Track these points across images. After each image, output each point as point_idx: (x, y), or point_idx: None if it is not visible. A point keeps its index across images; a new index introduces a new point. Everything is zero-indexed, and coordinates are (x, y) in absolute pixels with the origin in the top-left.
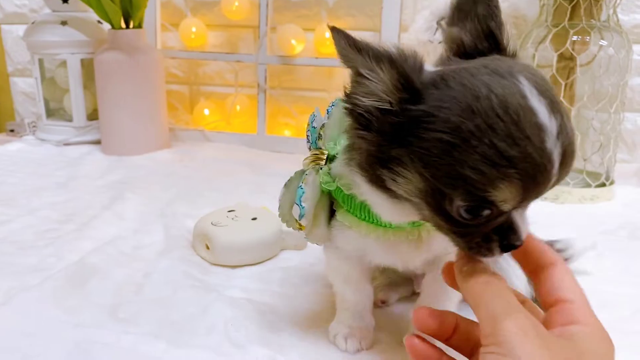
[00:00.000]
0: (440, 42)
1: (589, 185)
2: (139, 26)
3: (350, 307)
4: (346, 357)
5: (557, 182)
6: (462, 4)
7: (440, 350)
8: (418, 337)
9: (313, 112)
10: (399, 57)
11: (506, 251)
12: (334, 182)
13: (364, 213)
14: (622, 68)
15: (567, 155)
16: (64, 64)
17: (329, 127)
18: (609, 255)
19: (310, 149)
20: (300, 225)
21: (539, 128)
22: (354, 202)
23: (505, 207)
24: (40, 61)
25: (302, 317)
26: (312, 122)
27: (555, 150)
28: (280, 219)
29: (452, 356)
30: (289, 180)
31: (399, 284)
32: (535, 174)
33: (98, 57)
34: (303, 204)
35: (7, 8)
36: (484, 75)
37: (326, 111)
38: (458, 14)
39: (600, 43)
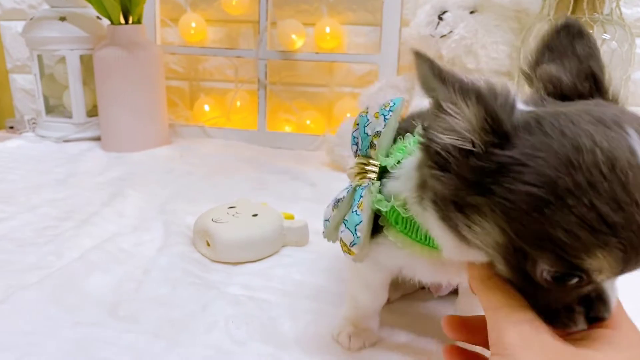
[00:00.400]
0: (442, 37)
1: None
2: (139, 22)
3: (361, 309)
4: (347, 354)
5: None
6: (555, 43)
7: (477, 353)
8: (453, 347)
9: (363, 114)
10: (488, 93)
11: (591, 323)
12: (388, 201)
13: (419, 235)
14: (625, 62)
15: None
16: (63, 60)
17: (385, 137)
18: None
19: (356, 154)
20: (349, 250)
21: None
22: (410, 223)
23: (600, 278)
24: (40, 57)
25: (304, 314)
26: (364, 126)
27: None
28: (323, 235)
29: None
30: (338, 199)
31: (402, 282)
32: (638, 244)
33: (97, 53)
34: (358, 234)
35: (6, 4)
36: (587, 123)
37: (381, 116)
38: (550, 54)
39: (603, 37)
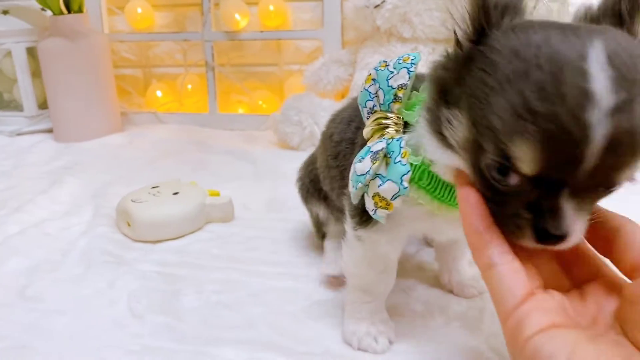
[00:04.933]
0: (376, 7)
1: None
2: (79, 10)
3: (375, 297)
4: (239, 321)
5: (605, 173)
6: None
7: None
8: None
9: (381, 67)
10: None
11: (542, 240)
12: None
13: (442, 192)
14: None
15: (623, 143)
16: (9, 54)
17: (409, 90)
18: None
19: (372, 110)
20: (387, 205)
21: (584, 93)
22: (434, 179)
23: (523, 168)
24: None
25: (209, 285)
26: (387, 79)
27: (599, 126)
28: (352, 196)
29: None
30: (376, 152)
31: None
32: (560, 141)
33: (40, 45)
34: (405, 184)
35: None
36: (555, 29)
37: (404, 69)
38: None
39: None
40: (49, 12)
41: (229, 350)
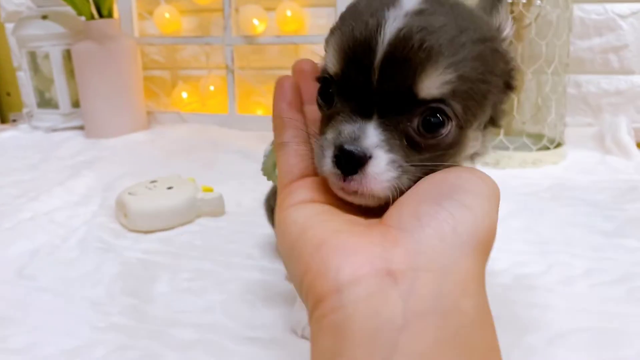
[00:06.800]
0: None
1: (530, 149)
2: (110, 15)
3: None
4: (204, 301)
5: (399, 75)
6: None
7: None
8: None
9: None
10: None
11: (340, 161)
12: None
13: None
14: (556, 28)
15: (404, 45)
16: (48, 56)
17: None
18: (518, 216)
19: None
20: None
21: (390, 1)
22: None
23: (330, 67)
24: (32, 54)
25: (183, 273)
26: None
27: (383, 30)
28: (262, 172)
29: None
30: None
31: None
32: (354, 32)
33: (74, 48)
34: None
35: (8, 7)
36: None
37: None
38: None
39: (537, 4)
40: (83, 17)
41: (183, 330)
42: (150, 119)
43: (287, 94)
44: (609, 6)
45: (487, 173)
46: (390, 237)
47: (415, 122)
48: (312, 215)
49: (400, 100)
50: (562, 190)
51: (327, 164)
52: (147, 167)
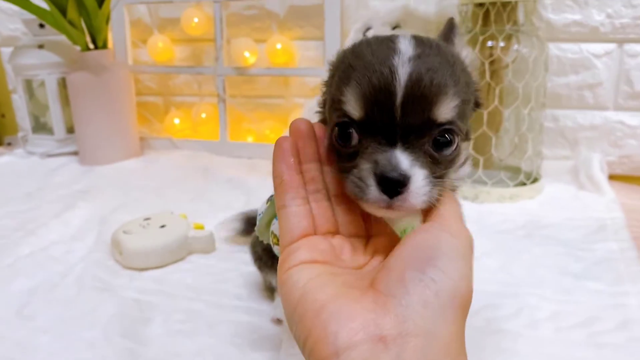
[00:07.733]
0: None
1: (507, 185)
2: (104, 46)
3: None
4: (201, 348)
5: (417, 108)
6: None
7: None
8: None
9: None
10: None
11: (384, 187)
12: None
13: None
14: (533, 70)
15: (421, 80)
16: (43, 83)
17: None
18: (494, 255)
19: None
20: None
21: (392, 50)
22: None
23: (352, 113)
24: (28, 82)
25: (176, 314)
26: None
27: (401, 68)
28: (256, 231)
29: None
30: (272, 195)
31: None
32: (372, 80)
33: (69, 78)
34: None
35: (4, 32)
36: (377, 38)
37: None
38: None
39: (515, 48)
40: (78, 47)
41: None
42: (143, 145)
43: (286, 155)
44: (585, 46)
45: (465, 207)
46: (381, 303)
47: (432, 142)
48: (312, 278)
49: (420, 127)
50: (537, 228)
51: (373, 192)
52: (140, 198)
